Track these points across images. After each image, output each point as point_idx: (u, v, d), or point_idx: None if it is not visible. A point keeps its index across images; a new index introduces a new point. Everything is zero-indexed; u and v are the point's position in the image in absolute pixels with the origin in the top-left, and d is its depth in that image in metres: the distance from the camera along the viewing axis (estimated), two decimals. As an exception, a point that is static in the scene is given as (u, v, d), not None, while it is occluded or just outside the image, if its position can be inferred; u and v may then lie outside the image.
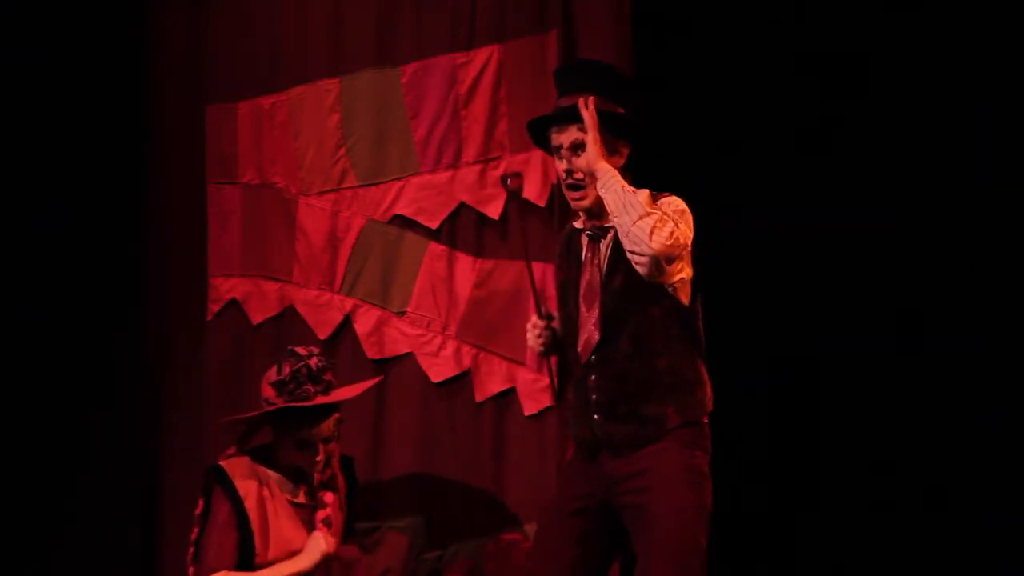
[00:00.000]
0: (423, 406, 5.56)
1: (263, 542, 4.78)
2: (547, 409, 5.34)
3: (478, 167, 5.49)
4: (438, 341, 5.55)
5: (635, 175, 4.23)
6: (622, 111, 4.18)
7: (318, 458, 4.81)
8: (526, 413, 5.39)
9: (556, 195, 5.28)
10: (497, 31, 5.48)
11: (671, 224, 4.00)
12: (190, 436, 5.95)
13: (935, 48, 5.29)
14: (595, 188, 4.12)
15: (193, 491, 4.99)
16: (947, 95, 5.31)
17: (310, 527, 4.85)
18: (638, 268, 4.02)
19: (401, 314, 5.62)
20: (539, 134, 4.28)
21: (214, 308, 5.99)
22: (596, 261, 4.18)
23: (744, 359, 5.16)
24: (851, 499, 5.33)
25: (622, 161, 4.19)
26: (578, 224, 4.27)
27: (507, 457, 5.43)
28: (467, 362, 5.50)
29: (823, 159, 5.41)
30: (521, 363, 5.40)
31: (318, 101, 5.76)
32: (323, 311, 5.74)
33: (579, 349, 4.18)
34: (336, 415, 4.87)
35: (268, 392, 4.84)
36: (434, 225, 5.57)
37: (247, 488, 4.79)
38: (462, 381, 5.52)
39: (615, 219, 4.04)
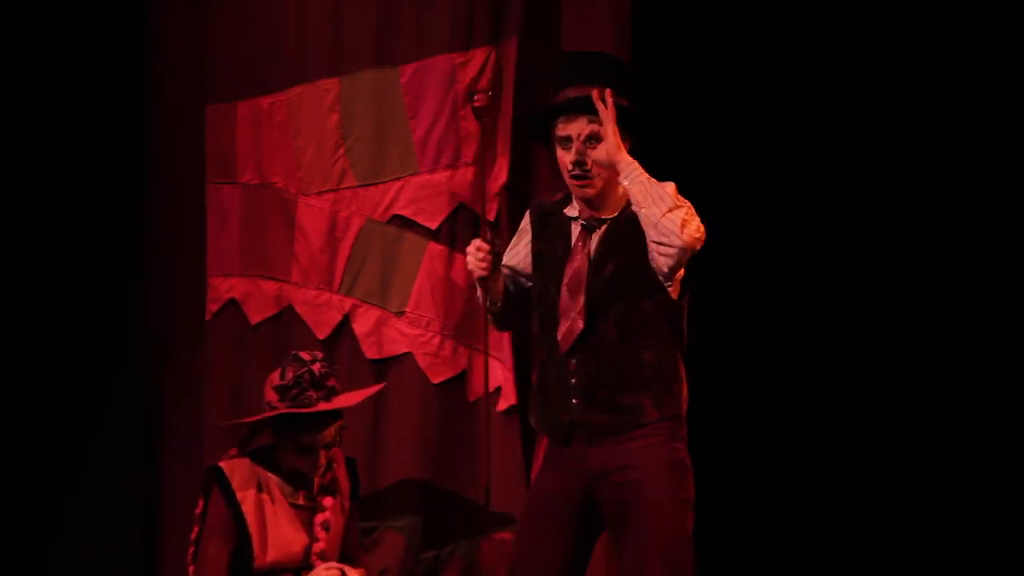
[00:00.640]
0: (422, 406, 5.56)
1: (261, 544, 4.78)
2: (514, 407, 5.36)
3: (477, 167, 5.49)
4: (437, 341, 5.55)
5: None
6: (626, 104, 4.18)
7: (319, 463, 4.81)
8: (499, 408, 5.39)
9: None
10: (496, 31, 5.48)
11: (697, 218, 4.03)
12: (190, 436, 5.95)
13: (934, 48, 5.29)
14: (601, 179, 4.12)
15: (193, 491, 4.98)
16: (948, 95, 5.30)
17: (310, 530, 4.85)
18: (661, 259, 4.02)
19: (400, 314, 5.62)
20: (537, 126, 4.26)
21: (213, 308, 5.99)
22: (587, 250, 4.17)
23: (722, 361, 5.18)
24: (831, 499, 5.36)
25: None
26: (571, 211, 4.25)
27: (505, 457, 5.43)
28: (464, 362, 5.50)
29: (823, 159, 5.41)
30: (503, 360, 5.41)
31: (317, 101, 5.76)
32: (322, 311, 5.74)
33: (559, 336, 4.15)
34: (339, 422, 4.86)
35: (271, 396, 4.83)
36: (433, 225, 5.57)
37: (246, 490, 4.78)
38: (461, 381, 5.52)
39: (641, 210, 4.02)
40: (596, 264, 4.14)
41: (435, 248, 5.57)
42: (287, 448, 4.83)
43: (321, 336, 5.71)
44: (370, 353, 5.65)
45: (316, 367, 4.81)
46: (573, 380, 4.14)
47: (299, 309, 5.79)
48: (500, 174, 5.44)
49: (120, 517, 6.03)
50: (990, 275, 5.25)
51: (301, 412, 4.76)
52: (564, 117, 4.15)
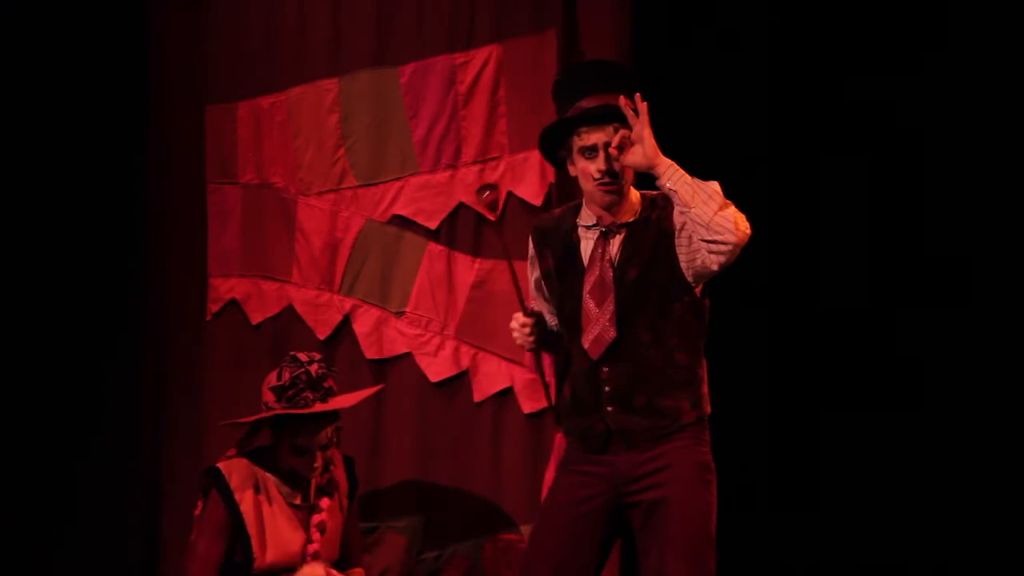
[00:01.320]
0: (422, 406, 5.56)
1: (260, 544, 4.78)
2: (546, 408, 5.33)
3: (477, 167, 5.49)
4: (437, 341, 5.55)
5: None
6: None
7: (315, 464, 4.81)
8: (525, 411, 5.38)
9: (553, 195, 5.29)
10: (496, 31, 5.48)
11: (742, 213, 4.04)
12: (190, 436, 5.95)
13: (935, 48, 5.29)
14: (627, 184, 4.14)
15: (193, 491, 4.99)
16: (950, 96, 5.30)
17: (308, 530, 4.85)
18: (712, 257, 4.02)
19: (400, 314, 5.62)
20: (555, 138, 4.23)
21: (213, 308, 5.99)
22: (607, 257, 4.18)
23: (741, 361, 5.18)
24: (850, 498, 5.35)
25: None
26: (585, 220, 4.24)
27: (505, 457, 5.43)
28: (466, 362, 5.50)
29: (823, 159, 5.41)
30: (519, 363, 5.40)
31: (317, 101, 5.77)
32: (322, 311, 5.74)
33: (587, 345, 4.16)
34: (335, 424, 4.86)
35: (268, 396, 4.84)
36: (433, 225, 5.57)
37: (244, 491, 4.78)
38: (461, 381, 5.52)
39: (691, 210, 4.01)
40: (620, 270, 4.16)
41: (435, 248, 5.57)
42: (284, 448, 4.83)
43: (321, 336, 5.71)
44: (370, 353, 5.65)
45: (313, 368, 4.81)
46: (607, 388, 4.16)
47: (299, 309, 5.79)
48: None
49: (120, 517, 6.03)
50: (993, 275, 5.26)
51: (297, 413, 4.76)
52: (586, 127, 4.15)
